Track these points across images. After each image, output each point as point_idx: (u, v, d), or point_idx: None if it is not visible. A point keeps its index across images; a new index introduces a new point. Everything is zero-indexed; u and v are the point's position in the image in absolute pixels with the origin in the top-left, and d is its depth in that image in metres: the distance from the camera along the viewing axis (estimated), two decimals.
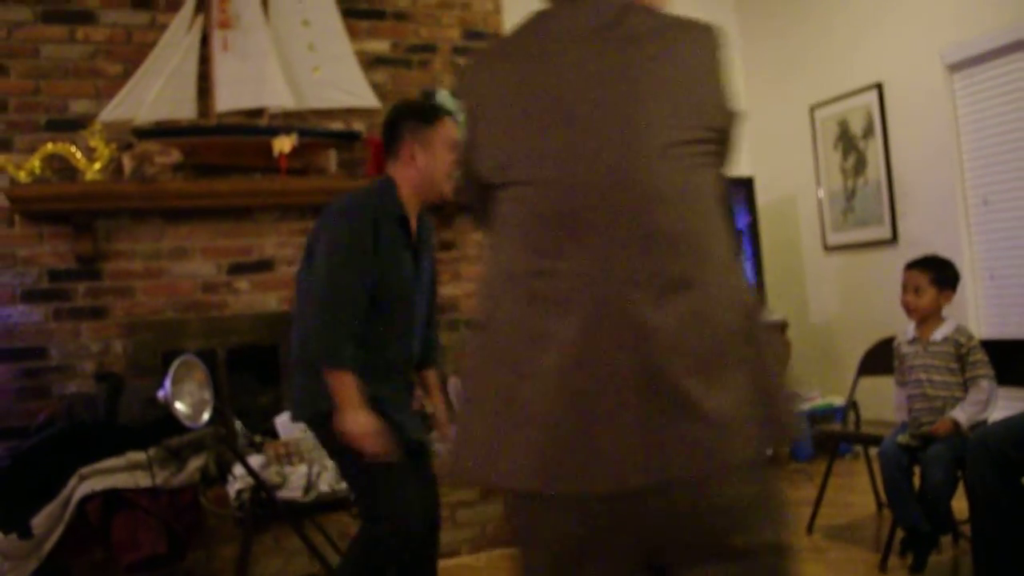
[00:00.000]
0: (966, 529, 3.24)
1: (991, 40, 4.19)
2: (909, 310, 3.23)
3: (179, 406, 2.97)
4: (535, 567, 1.28)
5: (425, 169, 2.44)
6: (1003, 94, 4.23)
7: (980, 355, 3.08)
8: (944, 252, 4.32)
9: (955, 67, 4.41)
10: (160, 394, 3.26)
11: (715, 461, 1.17)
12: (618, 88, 1.28)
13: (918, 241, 4.62)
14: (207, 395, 3.03)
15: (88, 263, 3.75)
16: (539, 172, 1.27)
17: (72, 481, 3.20)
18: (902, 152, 4.71)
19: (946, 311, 3.26)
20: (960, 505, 3.17)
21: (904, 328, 3.36)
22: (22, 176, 3.55)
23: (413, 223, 2.50)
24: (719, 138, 1.34)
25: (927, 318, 3.20)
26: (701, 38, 1.35)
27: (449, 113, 2.53)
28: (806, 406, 5.05)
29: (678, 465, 1.16)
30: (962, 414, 2.99)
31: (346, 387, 2.29)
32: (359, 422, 2.29)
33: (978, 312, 4.39)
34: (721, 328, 1.23)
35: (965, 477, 2.85)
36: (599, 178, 1.25)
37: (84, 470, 3.20)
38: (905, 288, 3.27)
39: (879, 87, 4.77)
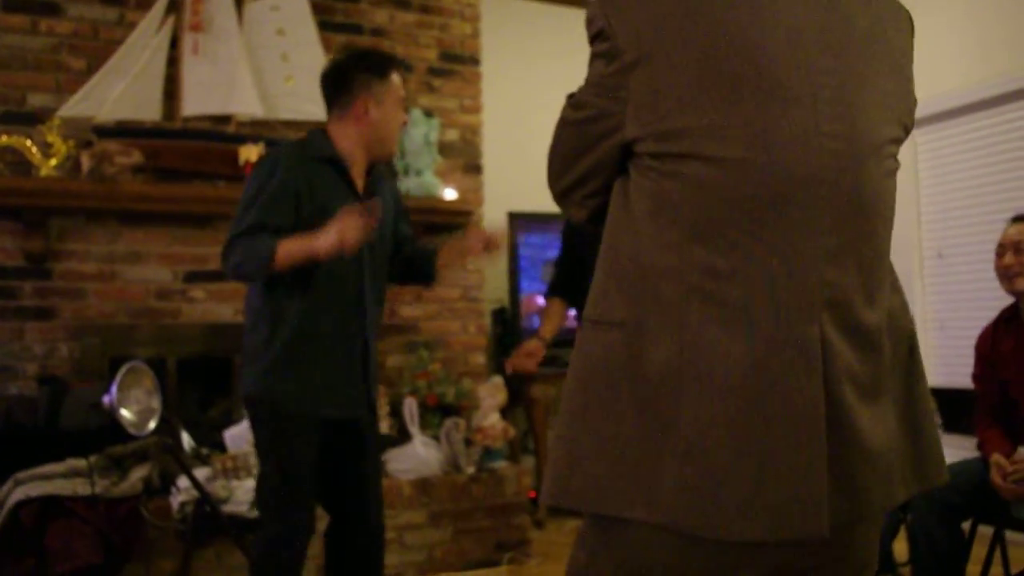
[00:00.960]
0: (905, 572, 3.28)
1: (955, 98, 4.33)
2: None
3: (124, 413, 2.88)
4: None
5: (378, 124, 2.34)
6: (964, 151, 4.36)
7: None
8: None
9: (918, 123, 4.53)
10: (105, 399, 3.15)
11: (882, 506, 1.07)
12: (838, 57, 1.05)
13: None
14: (155, 404, 2.94)
15: (38, 262, 3.62)
16: (727, 148, 1.02)
17: (7, 485, 3.08)
18: None
19: None
20: (901, 547, 3.20)
21: None
22: None
23: (358, 172, 2.37)
24: (900, 142, 1.15)
25: None
26: (902, 13, 1.15)
27: (401, 65, 2.43)
28: None
29: (847, 510, 1.03)
30: None
31: (289, 245, 2.12)
32: (323, 237, 2.08)
33: (927, 361, 4.46)
34: (887, 356, 1.10)
35: (907, 521, 2.88)
36: (808, 168, 1.03)
37: (20, 475, 3.09)
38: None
39: None
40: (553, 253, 4.86)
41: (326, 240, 2.07)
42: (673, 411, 1.03)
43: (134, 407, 2.87)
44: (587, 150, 1.15)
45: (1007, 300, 2.93)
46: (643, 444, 1.04)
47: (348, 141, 2.34)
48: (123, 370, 2.83)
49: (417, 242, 2.67)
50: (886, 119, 1.09)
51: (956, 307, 4.38)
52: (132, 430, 2.83)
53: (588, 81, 1.13)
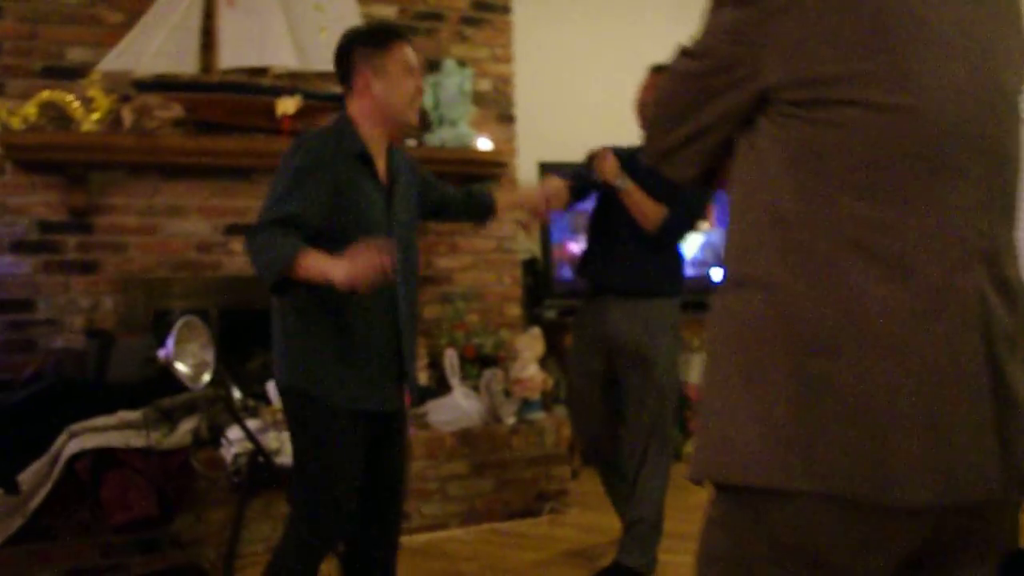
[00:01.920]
0: None
1: None
2: None
3: (180, 367, 2.92)
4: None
5: (382, 98, 2.24)
6: None
7: None
8: None
9: None
10: (161, 353, 3.19)
11: None
12: (979, 7, 1.05)
13: None
14: (208, 357, 2.97)
15: (80, 216, 3.65)
16: (884, 94, 0.98)
17: (61, 438, 3.12)
18: None
19: None
20: None
21: None
22: (15, 123, 3.44)
23: (380, 162, 2.30)
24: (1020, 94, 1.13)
25: None
26: None
27: (403, 35, 2.31)
28: None
29: (1007, 476, 0.99)
30: None
31: (310, 261, 2.00)
32: (339, 267, 1.96)
33: None
34: (1021, 314, 1.05)
35: None
36: (962, 117, 1.00)
37: (74, 427, 3.13)
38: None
39: None
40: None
41: (341, 273, 1.96)
42: (833, 373, 0.98)
43: (189, 360, 2.90)
44: (710, 101, 1.11)
45: None
46: (802, 409, 0.98)
47: (365, 123, 2.27)
48: (179, 324, 2.86)
49: (456, 188, 2.70)
50: (1016, 71, 1.08)
51: None
52: (188, 383, 2.86)
53: (715, 28, 1.09)
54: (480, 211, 2.70)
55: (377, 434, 2.32)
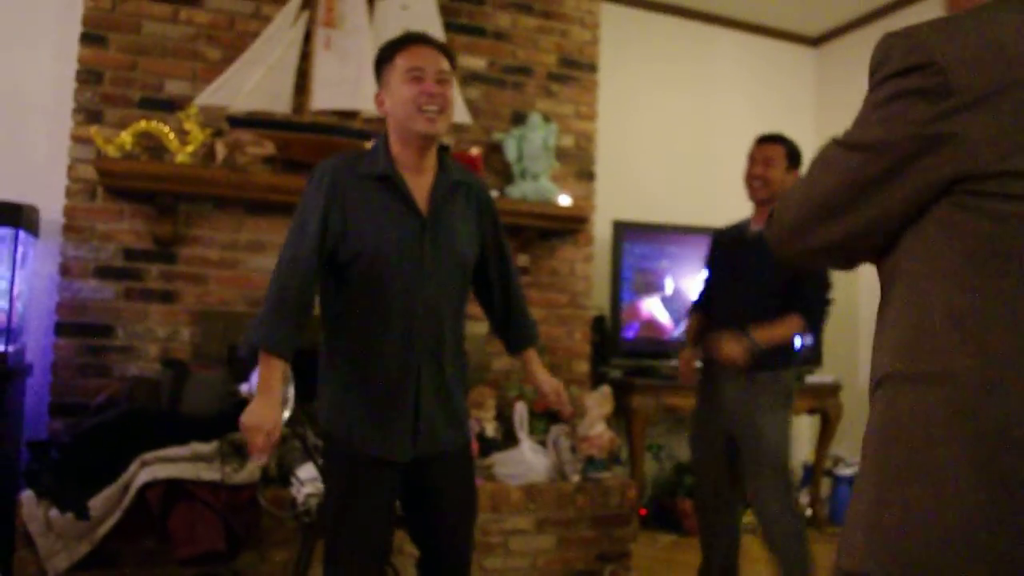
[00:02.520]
0: None
1: None
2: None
3: None
4: None
5: (391, 113, 2.10)
6: None
7: None
8: None
9: None
10: (244, 388, 3.19)
11: None
12: None
13: None
14: (289, 394, 2.95)
15: (165, 246, 3.69)
16: None
17: (133, 466, 3.11)
18: None
19: None
20: None
21: None
22: (111, 150, 3.50)
23: (420, 183, 2.13)
24: None
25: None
26: None
27: (414, 40, 2.11)
28: (848, 471, 5.00)
29: None
30: None
31: (267, 371, 2.01)
32: (255, 413, 1.97)
33: None
34: None
35: None
36: None
37: (147, 456, 3.12)
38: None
39: None
40: (653, 263, 4.86)
41: (245, 416, 1.99)
42: (1021, 469, 0.96)
43: None
44: (883, 194, 1.08)
45: None
46: (987, 507, 0.96)
47: (393, 141, 2.13)
48: None
49: (521, 303, 2.46)
50: None
51: None
52: None
53: (893, 119, 1.06)
54: (511, 338, 2.46)
55: (416, 485, 2.19)
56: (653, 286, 4.83)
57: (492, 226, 2.31)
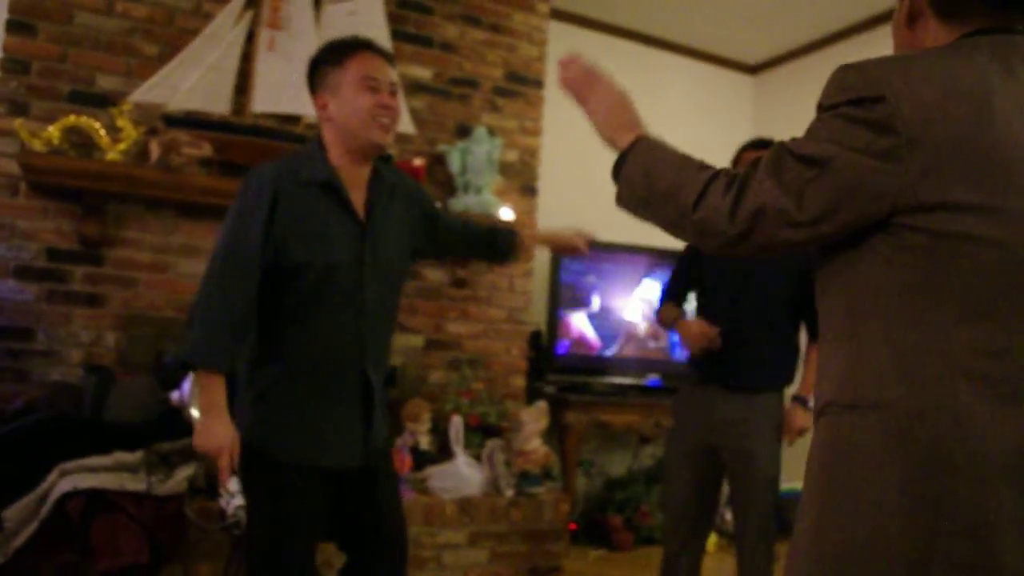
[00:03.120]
0: None
1: None
2: None
3: (194, 412, 2.81)
4: None
5: (338, 118, 2.04)
6: None
7: None
8: None
9: None
10: (175, 396, 3.10)
11: None
12: None
13: None
14: None
15: (92, 247, 3.54)
16: (1006, 231, 1.05)
17: (52, 475, 2.97)
18: None
19: None
20: None
21: None
22: (37, 144, 3.35)
23: (358, 189, 2.10)
24: None
25: None
26: None
27: (366, 45, 2.09)
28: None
29: None
30: None
31: (213, 389, 1.94)
32: (212, 434, 1.93)
33: None
34: None
35: None
36: None
37: (67, 465, 2.98)
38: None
39: None
40: (588, 281, 4.88)
41: (199, 438, 1.97)
42: (948, 491, 1.01)
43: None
44: (838, 210, 1.10)
45: None
46: (912, 526, 1.02)
47: (333, 149, 2.08)
48: None
49: (474, 222, 2.53)
50: None
51: None
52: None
53: (841, 143, 1.09)
54: (501, 250, 2.48)
55: (347, 493, 2.14)
56: (579, 301, 4.82)
57: (428, 210, 2.34)
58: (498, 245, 2.47)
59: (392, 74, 2.10)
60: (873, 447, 1.06)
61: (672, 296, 3.16)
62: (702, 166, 1.23)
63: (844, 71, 1.12)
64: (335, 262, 2.04)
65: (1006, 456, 1.01)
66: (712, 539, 4.53)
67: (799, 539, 1.13)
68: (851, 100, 1.09)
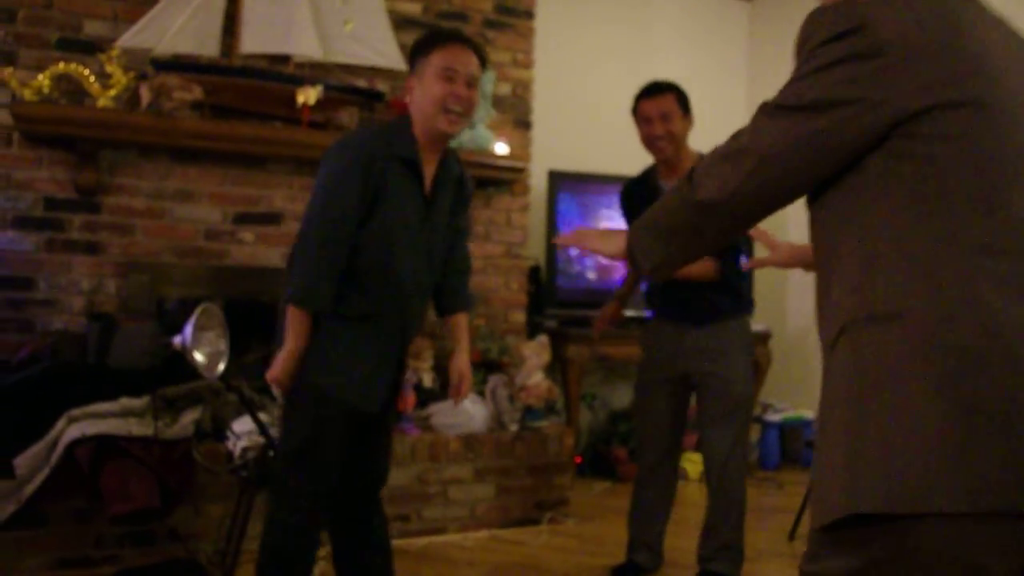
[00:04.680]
0: None
1: None
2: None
3: (197, 355, 2.83)
4: None
5: (418, 103, 2.23)
6: None
7: None
8: None
9: None
10: (177, 340, 3.08)
11: None
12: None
13: None
14: (223, 347, 2.88)
15: (88, 195, 3.53)
16: (986, 93, 1.09)
17: (60, 423, 3.02)
18: None
19: None
20: None
21: None
22: (27, 94, 3.32)
23: (429, 168, 2.29)
24: None
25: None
26: None
27: (453, 38, 2.26)
28: (777, 416, 5.14)
29: None
30: None
31: (301, 326, 2.22)
32: (285, 367, 2.24)
33: None
34: None
35: None
36: None
37: (74, 412, 3.03)
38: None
39: None
40: (591, 213, 4.87)
41: (276, 367, 2.29)
42: (980, 391, 1.02)
43: (205, 349, 2.82)
44: (824, 150, 1.15)
45: None
46: (954, 432, 1.02)
47: (415, 122, 2.26)
48: (197, 311, 2.77)
49: (460, 277, 2.55)
50: None
51: None
52: (204, 372, 2.77)
53: (829, 80, 1.13)
54: (444, 305, 2.54)
55: (366, 431, 2.39)
56: None
57: (460, 220, 2.49)
58: (444, 301, 2.53)
59: (473, 64, 2.25)
60: (901, 356, 1.06)
61: None
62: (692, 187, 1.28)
63: (817, 12, 1.17)
64: (401, 229, 2.24)
65: None
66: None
67: (831, 465, 1.11)
68: (831, 38, 1.13)
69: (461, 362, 2.50)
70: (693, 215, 1.27)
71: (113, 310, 3.55)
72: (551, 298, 4.77)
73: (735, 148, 1.22)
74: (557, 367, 4.61)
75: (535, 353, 3.91)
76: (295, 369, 2.24)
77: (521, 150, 4.35)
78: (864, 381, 1.09)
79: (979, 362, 1.03)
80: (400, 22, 4.09)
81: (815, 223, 1.25)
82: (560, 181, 4.79)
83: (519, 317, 4.45)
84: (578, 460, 4.70)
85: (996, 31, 1.18)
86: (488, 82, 4.08)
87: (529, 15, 4.46)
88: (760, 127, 1.20)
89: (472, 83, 2.24)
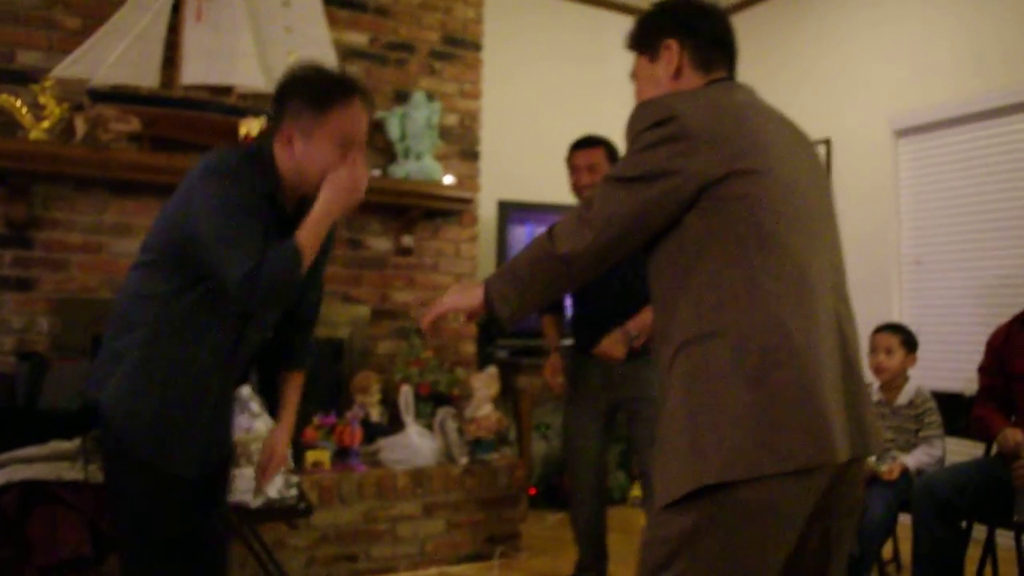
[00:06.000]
0: (891, 571, 3.47)
1: (938, 112, 4.45)
2: (880, 370, 3.30)
3: None
4: (764, 550, 1.41)
5: (301, 159, 1.94)
6: (944, 163, 4.50)
7: (936, 416, 3.22)
8: (876, 305, 4.52)
9: (902, 133, 4.66)
10: None
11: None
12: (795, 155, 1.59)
13: (851, 292, 4.77)
14: None
15: (19, 230, 3.42)
16: (770, 186, 1.47)
17: None
18: (843, 206, 4.79)
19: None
20: (904, 547, 3.28)
21: (871, 386, 3.42)
22: None
23: (288, 205, 2.03)
24: None
25: (894, 379, 3.28)
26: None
27: (351, 93, 1.95)
28: None
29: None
30: (913, 461, 3.11)
31: (306, 233, 1.88)
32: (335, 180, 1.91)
33: None
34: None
35: (912, 522, 2.96)
36: (808, 174, 1.57)
37: (0, 457, 2.91)
38: (875, 350, 3.33)
39: (827, 143, 4.95)
40: None
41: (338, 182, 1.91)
42: (782, 380, 1.38)
43: None
44: (655, 212, 1.49)
45: (984, 306, 3.60)
46: (762, 414, 1.37)
47: (282, 165, 1.99)
48: None
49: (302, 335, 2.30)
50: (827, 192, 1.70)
51: (932, 312, 4.49)
52: None
53: (652, 158, 1.48)
54: (287, 358, 2.30)
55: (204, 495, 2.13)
56: None
57: (324, 260, 2.20)
58: (283, 355, 2.31)
59: (366, 123, 2.01)
60: (722, 363, 1.40)
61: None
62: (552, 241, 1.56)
63: (641, 107, 1.55)
64: None
65: (812, 350, 1.42)
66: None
67: (673, 451, 1.43)
68: (651, 125, 1.49)
69: (278, 438, 2.27)
70: (553, 266, 1.53)
71: (46, 349, 3.42)
72: (501, 329, 4.72)
73: (587, 212, 1.51)
74: (509, 398, 4.56)
75: (484, 385, 3.86)
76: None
77: (469, 180, 4.32)
78: (696, 384, 1.43)
79: (777, 362, 1.39)
80: (346, 53, 4.05)
81: (650, 270, 1.57)
82: (510, 211, 4.76)
83: (469, 348, 4.39)
84: (532, 491, 4.64)
85: (771, 121, 1.57)
86: (434, 113, 4.05)
87: (476, 46, 4.45)
88: (606, 195, 1.50)
89: (362, 146, 2.01)
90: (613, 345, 3.07)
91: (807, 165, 1.58)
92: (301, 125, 1.93)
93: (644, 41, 1.69)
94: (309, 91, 1.94)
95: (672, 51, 1.65)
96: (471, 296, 1.61)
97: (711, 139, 1.45)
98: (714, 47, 1.66)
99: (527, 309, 1.58)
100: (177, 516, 2.03)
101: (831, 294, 1.51)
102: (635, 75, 1.73)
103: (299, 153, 1.94)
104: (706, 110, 1.49)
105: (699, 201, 1.46)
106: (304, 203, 2.04)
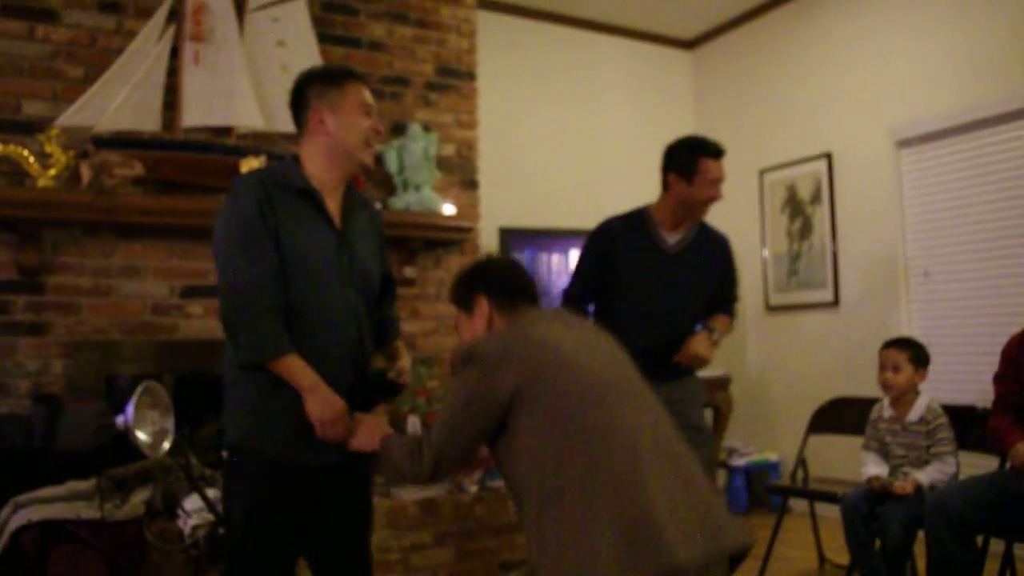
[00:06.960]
0: None
1: (940, 120, 4.43)
2: (887, 387, 3.31)
3: (140, 435, 2.79)
4: None
5: (336, 134, 2.14)
6: (948, 172, 4.47)
7: (947, 432, 3.19)
8: (883, 318, 4.51)
9: (904, 143, 4.64)
10: (120, 420, 3.04)
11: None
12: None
13: (859, 306, 4.79)
14: (168, 425, 2.84)
15: (31, 275, 3.51)
16: (568, 369, 1.87)
17: (6, 510, 2.96)
18: (848, 219, 4.90)
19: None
20: (921, 564, 3.27)
21: (882, 401, 3.43)
22: None
23: (333, 200, 2.20)
24: None
25: (904, 395, 3.30)
26: None
27: (359, 75, 2.24)
28: (742, 460, 5.15)
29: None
30: (926, 477, 3.09)
31: (297, 369, 2.03)
32: (328, 403, 2.04)
33: None
34: None
35: (925, 537, 2.95)
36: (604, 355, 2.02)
37: (20, 498, 2.97)
38: (883, 366, 3.34)
39: (829, 156, 4.97)
40: (543, 268, 4.91)
41: (315, 409, 2.04)
42: (608, 517, 1.72)
43: (148, 428, 2.78)
44: (475, 425, 1.87)
45: (995, 315, 3.56)
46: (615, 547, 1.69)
47: (316, 163, 2.17)
48: (139, 389, 2.74)
49: (386, 318, 2.45)
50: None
51: (941, 325, 4.47)
52: (147, 452, 2.73)
53: (467, 386, 1.87)
54: (384, 334, 2.44)
55: (324, 490, 2.20)
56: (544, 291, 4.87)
57: (383, 245, 2.43)
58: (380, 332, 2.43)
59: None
60: (571, 515, 1.72)
61: (579, 300, 3.18)
62: (412, 450, 1.96)
63: (459, 349, 1.93)
64: (313, 261, 2.12)
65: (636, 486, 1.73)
66: None
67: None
68: (461, 362, 1.89)
69: (405, 361, 2.43)
70: (417, 469, 1.94)
71: (60, 391, 3.50)
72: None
73: (432, 439, 1.91)
74: None
75: None
76: (335, 401, 2.06)
77: (469, 209, 4.38)
78: (545, 536, 1.74)
79: (603, 504, 1.71)
80: None
81: (496, 458, 1.94)
82: (511, 237, 4.83)
83: None
84: None
85: (569, 332, 1.95)
86: (431, 144, 4.13)
87: (471, 76, 4.54)
88: (442, 425, 1.90)
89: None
90: (702, 343, 2.97)
91: (603, 348, 1.99)
92: (328, 102, 2.16)
93: (461, 299, 2.10)
94: (324, 74, 2.23)
95: (483, 305, 2.07)
96: (371, 439, 2.08)
97: (504, 365, 1.82)
98: (515, 295, 2.09)
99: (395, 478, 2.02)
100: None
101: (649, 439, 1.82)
102: (456, 325, 2.17)
103: (333, 127, 2.16)
104: (514, 342, 1.89)
105: (511, 409, 1.82)
106: (348, 196, 2.25)
